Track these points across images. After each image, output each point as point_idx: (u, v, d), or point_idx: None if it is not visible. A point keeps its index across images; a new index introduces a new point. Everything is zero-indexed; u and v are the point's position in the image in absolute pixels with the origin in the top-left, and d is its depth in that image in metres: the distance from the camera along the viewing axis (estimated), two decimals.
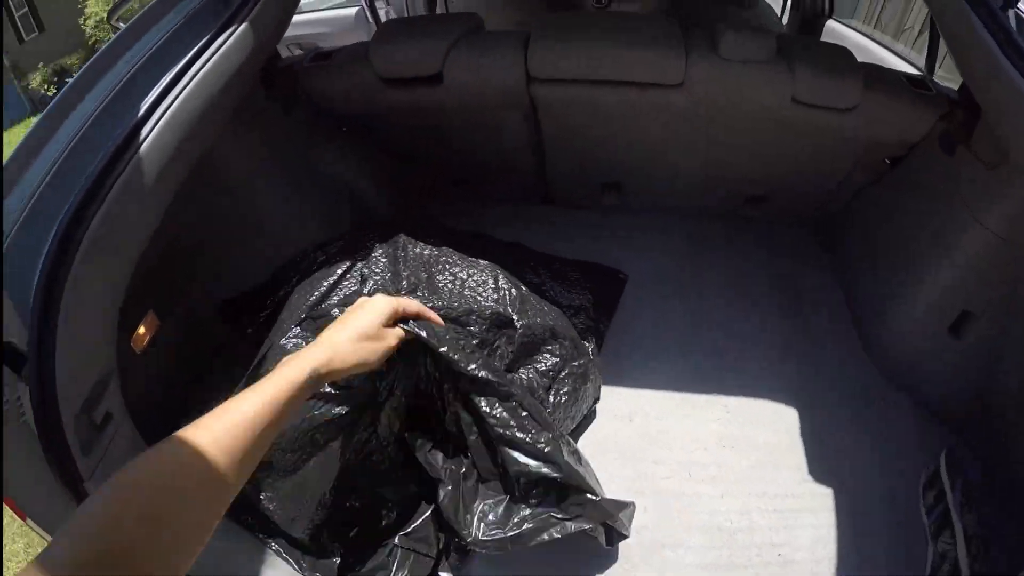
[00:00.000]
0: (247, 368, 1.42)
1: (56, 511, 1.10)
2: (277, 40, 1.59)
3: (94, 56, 1.28)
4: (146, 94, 1.18)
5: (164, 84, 1.19)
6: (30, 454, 1.05)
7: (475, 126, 2.05)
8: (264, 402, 0.77)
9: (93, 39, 16.12)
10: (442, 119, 2.02)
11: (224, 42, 1.31)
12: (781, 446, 1.62)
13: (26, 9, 18.63)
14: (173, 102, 1.18)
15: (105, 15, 14.29)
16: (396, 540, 1.36)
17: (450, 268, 1.51)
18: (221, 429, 0.70)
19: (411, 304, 1.09)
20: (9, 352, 1.04)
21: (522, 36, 1.85)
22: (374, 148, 2.23)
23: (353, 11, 3.97)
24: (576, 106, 1.90)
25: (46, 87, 17.53)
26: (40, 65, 17.79)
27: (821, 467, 1.57)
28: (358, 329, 0.96)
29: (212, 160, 1.33)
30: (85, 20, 15.83)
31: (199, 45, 1.28)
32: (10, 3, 18.69)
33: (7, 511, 1.10)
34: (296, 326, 1.39)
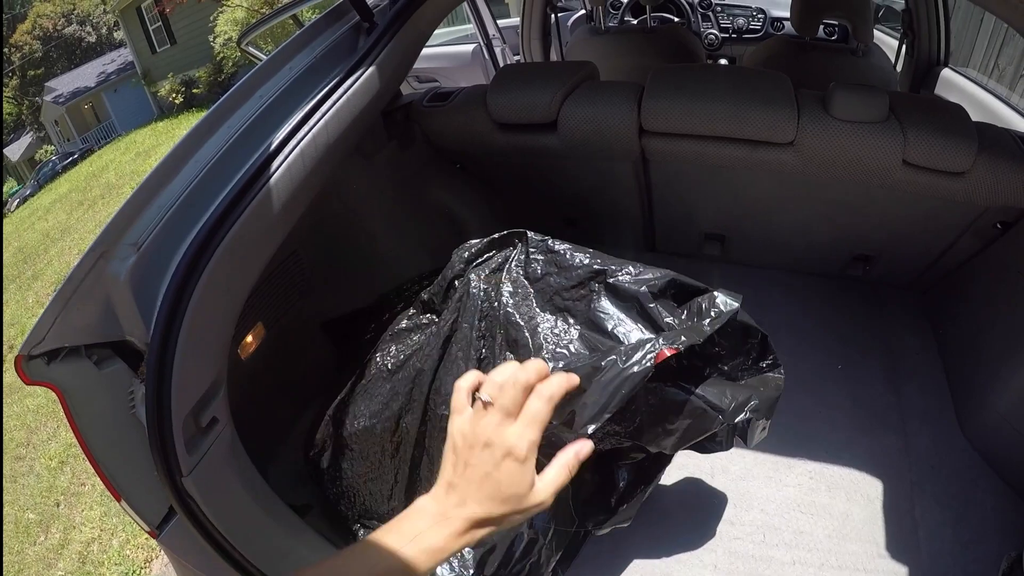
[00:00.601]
0: (339, 388, 1.49)
1: (149, 499, 1.19)
2: (399, 82, 1.67)
3: (232, 88, 1.38)
4: (279, 127, 1.27)
5: (296, 120, 1.28)
6: (134, 444, 1.14)
7: (585, 173, 2.08)
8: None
9: (221, 55, 17.01)
10: (554, 163, 2.05)
11: (353, 84, 1.40)
12: (860, 518, 1.59)
13: (160, 23, 19.93)
14: (304, 137, 1.27)
15: (234, 35, 15.03)
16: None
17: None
18: None
19: (554, 389, 0.69)
20: (128, 350, 1.14)
21: (636, 89, 1.87)
22: (487, 187, 2.29)
23: (470, 48, 4.08)
24: (686, 159, 1.90)
25: (174, 95, 18.63)
26: (170, 75, 18.97)
27: (898, 543, 1.53)
28: (500, 490, 0.67)
29: (333, 185, 1.42)
30: (215, 38, 16.67)
31: (330, 85, 1.37)
32: (145, 16, 20.05)
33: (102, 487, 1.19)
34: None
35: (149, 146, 14.32)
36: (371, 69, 1.44)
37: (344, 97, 1.37)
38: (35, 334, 1.03)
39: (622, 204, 2.22)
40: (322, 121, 1.31)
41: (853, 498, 1.63)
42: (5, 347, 6.31)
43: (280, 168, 1.22)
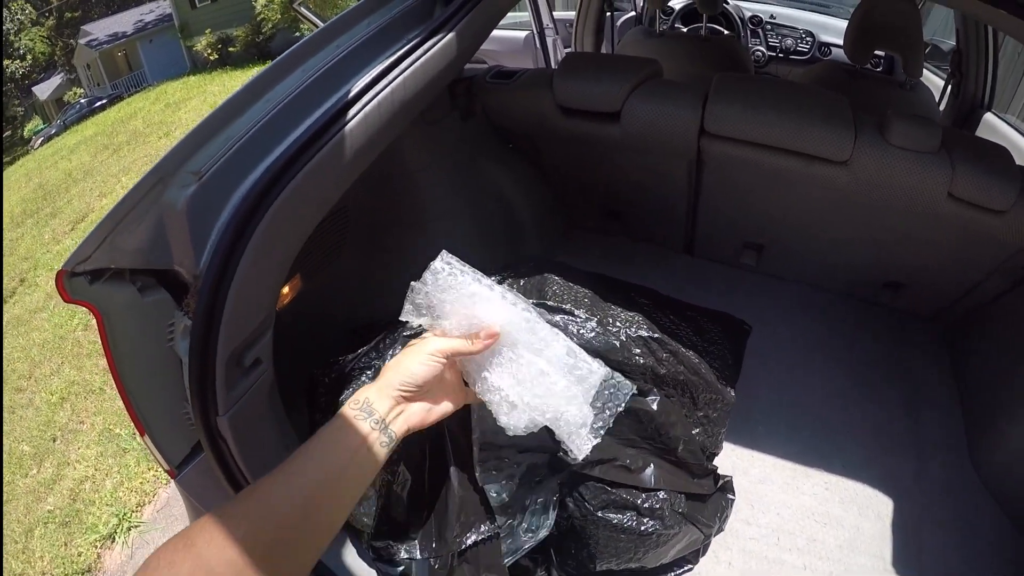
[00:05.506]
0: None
1: (174, 435, 1.19)
2: (473, 52, 1.66)
3: (308, 36, 1.34)
4: (357, 77, 1.25)
5: (376, 72, 1.26)
6: (166, 378, 1.12)
7: (640, 166, 2.12)
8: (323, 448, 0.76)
9: (261, 16, 17.00)
10: (610, 154, 2.10)
11: (432, 47, 1.38)
12: (870, 532, 1.66)
13: None
14: (382, 90, 1.25)
15: None
16: None
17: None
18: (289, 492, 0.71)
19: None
20: (172, 281, 1.11)
21: (701, 90, 1.90)
22: (537, 171, 2.35)
23: (523, 35, 4.11)
24: (741, 165, 1.93)
25: (209, 52, 18.65)
26: (207, 31, 18.99)
27: (904, 561, 1.59)
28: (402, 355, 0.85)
29: (393, 146, 1.40)
30: None
31: (410, 44, 1.34)
32: None
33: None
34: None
35: (179, 98, 14.19)
36: (450, 35, 1.42)
37: (423, 59, 1.35)
38: (81, 251, 1.00)
39: (669, 203, 2.25)
40: (400, 78, 1.29)
41: (865, 513, 1.70)
42: (15, 280, 6.31)
43: (357, 116, 1.20)
